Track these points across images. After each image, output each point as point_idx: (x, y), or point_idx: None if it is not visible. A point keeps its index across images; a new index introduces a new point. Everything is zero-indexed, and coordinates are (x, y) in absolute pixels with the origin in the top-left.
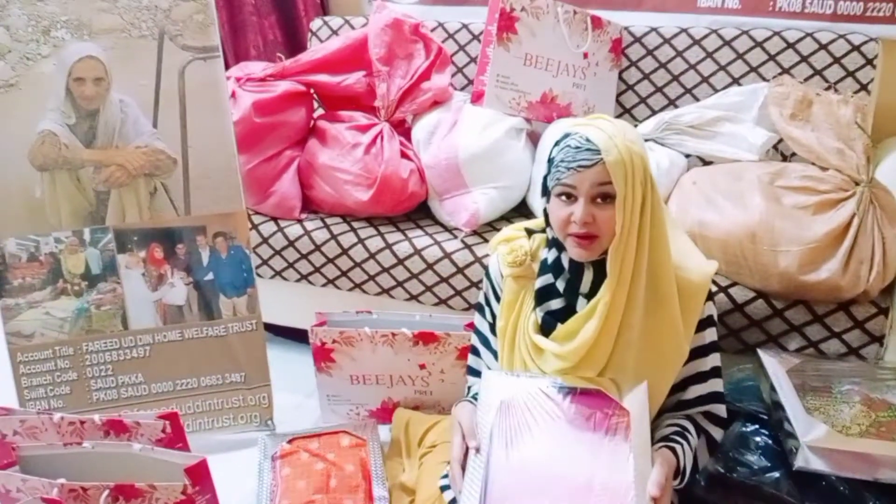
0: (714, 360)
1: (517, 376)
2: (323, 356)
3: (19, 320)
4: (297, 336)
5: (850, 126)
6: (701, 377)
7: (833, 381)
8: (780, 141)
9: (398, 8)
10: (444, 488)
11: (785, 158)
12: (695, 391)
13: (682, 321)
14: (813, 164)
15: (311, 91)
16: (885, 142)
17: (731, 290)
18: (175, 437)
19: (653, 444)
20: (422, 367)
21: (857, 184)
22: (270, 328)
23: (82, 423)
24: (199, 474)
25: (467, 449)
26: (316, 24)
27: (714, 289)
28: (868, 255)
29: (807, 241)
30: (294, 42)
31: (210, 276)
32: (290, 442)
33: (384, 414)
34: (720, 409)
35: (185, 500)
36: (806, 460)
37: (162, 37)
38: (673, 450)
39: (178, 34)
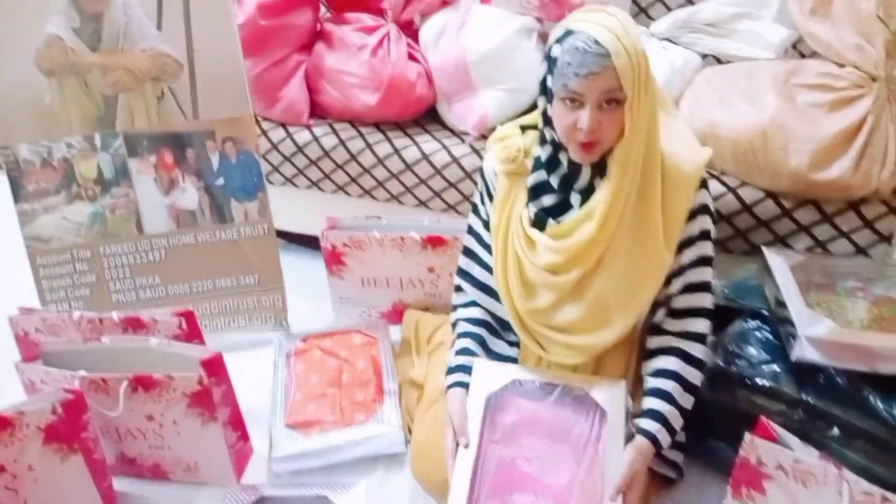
0: (704, 248)
1: (506, 366)
2: (334, 260)
3: (36, 224)
4: (308, 243)
5: (871, 20)
6: (681, 271)
7: (837, 279)
8: (800, 40)
9: None
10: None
11: (803, 57)
12: (679, 282)
13: (672, 212)
14: (830, 60)
15: None
16: None
17: (740, 191)
18: (191, 334)
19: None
20: (430, 270)
21: (874, 80)
22: (282, 235)
23: (101, 320)
24: (215, 367)
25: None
26: None
27: (723, 189)
28: (881, 153)
29: (819, 140)
30: None
31: (221, 181)
32: (303, 340)
33: (395, 316)
34: (703, 308)
35: (201, 390)
36: (804, 351)
37: None
38: (653, 437)
39: None
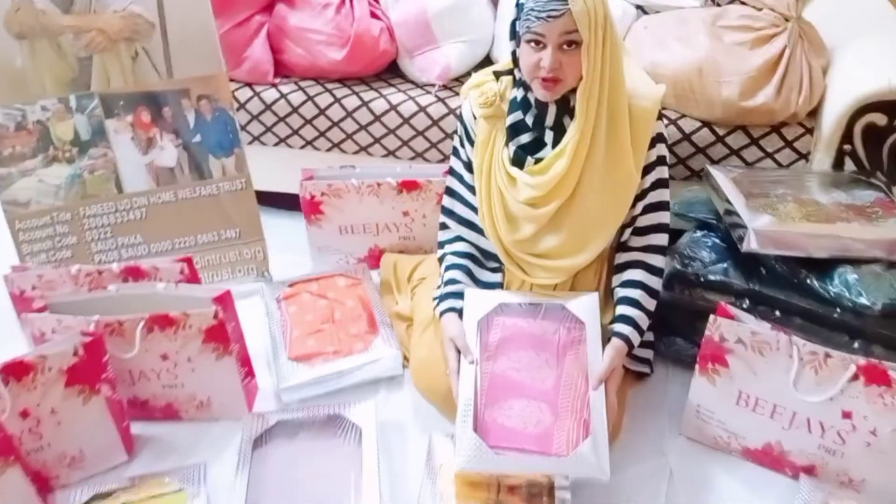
0: (662, 171)
1: (491, 297)
2: (312, 209)
3: (13, 189)
4: (279, 202)
5: None
6: (644, 194)
7: (769, 188)
8: None
9: None
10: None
11: (718, 5)
12: (642, 204)
13: (637, 143)
14: (748, 4)
15: None
16: None
17: (680, 122)
18: (192, 278)
19: (611, 294)
20: (405, 213)
21: (787, 20)
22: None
23: (100, 272)
24: (226, 303)
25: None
26: None
27: (665, 122)
28: (797, 82)
29: (746, 72)
30: None
31: (198, 138)
32: (290, 286)
33: (372, 261)
34: (664, 224)
35: (217, 325)
36: (753, 243)
37: None
38: (625, 337)
39: None
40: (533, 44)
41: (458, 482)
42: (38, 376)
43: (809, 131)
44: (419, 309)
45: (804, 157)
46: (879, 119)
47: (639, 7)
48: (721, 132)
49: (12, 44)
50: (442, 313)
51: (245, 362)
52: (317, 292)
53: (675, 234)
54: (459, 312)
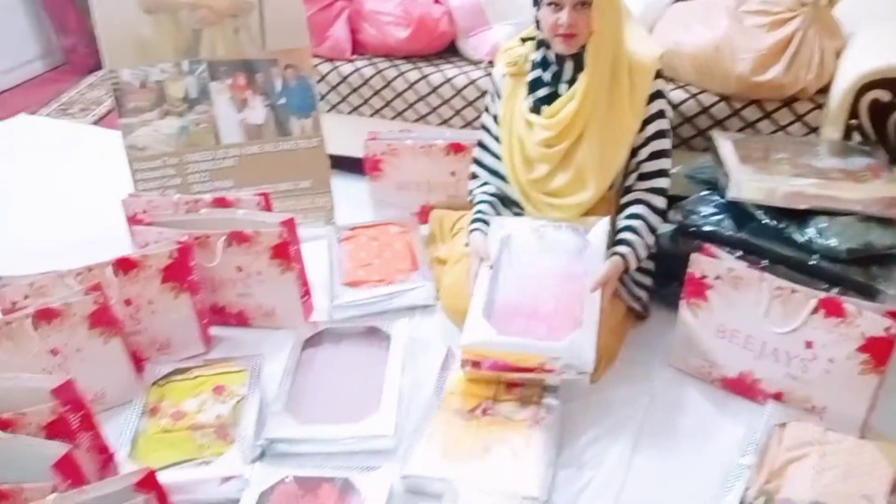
0: (662, 124)
1: (512, 222)
2: (373, 166)
3: (134, 136)
4: (350, 166)
5: None
6: (646, 142)
7: (769, 153)
8: None
9: None
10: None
11: None
12: (646, 150)
13: (636, 96)
14: None
15: None
16: None
17: (699, 97)
18: (267, 208)
19: (615, 231)
20: (452, 174)
21: (804, 6)
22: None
23: (196, 201)
24: (290, 227)
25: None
26: None
27: (686, 96)
28: (807, 60)
29: (759, 50)
30: None
31: (283, 101)
32: (351, 230)
33: (423, 216)
34: (663, 170)
35: (281, 243)
36: (734, 191)
37: None
38: (623, 255)
39: None
40: (552, 6)
41: (464, 381)
42: (140, 272)
43: (819, 107)
44: (454, 249)
45: (814, 130)
46: (884, 95)
47: None
48: (737, 106)
49: (142, 17)
50: (470, 232)
51: (304, 282)
52: (371, 236)
53: (685, 197)
54: (484, 234)
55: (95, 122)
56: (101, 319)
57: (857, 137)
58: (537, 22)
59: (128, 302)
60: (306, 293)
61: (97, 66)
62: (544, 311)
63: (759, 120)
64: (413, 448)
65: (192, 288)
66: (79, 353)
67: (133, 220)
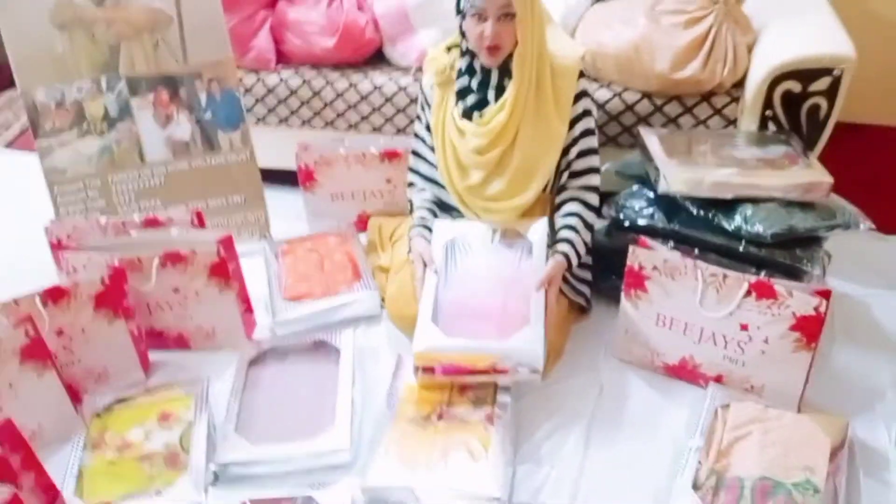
0: (588, 122)
1: (455, 225)
2: (307, 177)
3: (53, 158)
4: (282, 179)
5: None
6: (574, 142)
7: (694, 146)
8: None
9: None
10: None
11: None
12: (576, 149)
13: (560, 98)
14: None
15: None
16: None
17: (623, 95)
18: (202, 227)
19: (553, 230)
20: (388, 181)
21: (715, 3)
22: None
23: (124, 224)
24: (228, 244)
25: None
26: None
27: (610, 95)
28: (723, 55)
29: (676, 48)
30: None
31: (209, 115)
32: (287, 243)
33: (360, 225)
34: (594, 168)
35: (219, 262)
36: (665, 184)
37: None
38: (565, 254)
39: None
40: (476, 17)
41: (417, 388)
42: (71, 301)
43: (736, 100)
44: (396, 256)
45: (732, 122)
46: (795, 86)
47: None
48: (659, 102)
49: (54, 33)
50: (412, 237)
51: (244, 299)
52: (310, 248)
53: (617, 193)
54: (427, 240)
55: (7, 146)
56: (34, 353)
57: (772, 127)
58: (462, 31)
59: (59, 332)
60: (247, 311)
61: (8, 85)
62: (492, 311)
63: (680, 115)
64: (371, 460)
65: (126, 313)
66: (11, 390)
67: (57, 247)
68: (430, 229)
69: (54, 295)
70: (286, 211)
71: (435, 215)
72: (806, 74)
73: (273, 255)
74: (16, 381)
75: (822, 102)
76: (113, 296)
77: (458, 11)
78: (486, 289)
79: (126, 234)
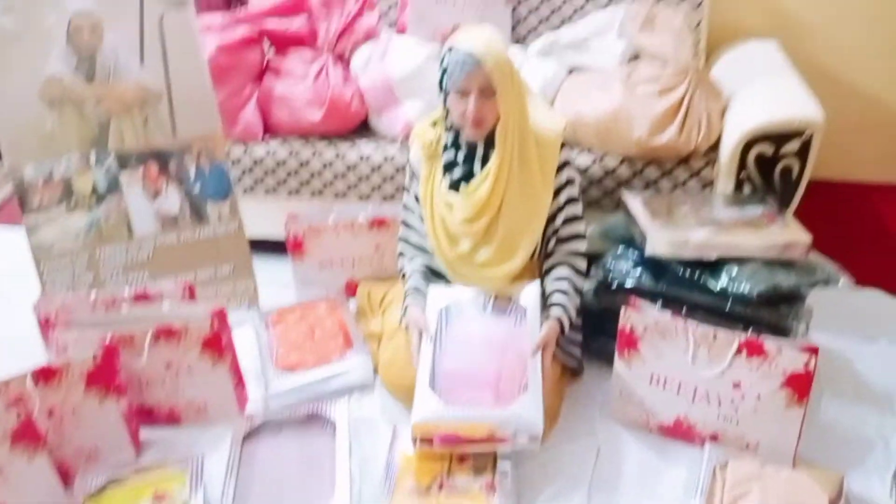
0: (571, 191)
1: (450, 292)
2: (296, 247)
3: (40, 234)
4: (270, 248)
5: (682, 31)
6: (559, 210)
7: (673, 208)
8: (635, 51)
9: None
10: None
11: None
12: (562, 216)
13: (545, 168)
14: (657, 61)
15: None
16: (720, 48)
17: (604, 160)
18: (193, 300)
19: (544, 295)
20: (377, 248)
21: (687, 72)
22: None
23: (114, 299)
24: (221, 318)
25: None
26: None
27: (590, 161)
28: (697, 122)
29: (653, 115)
30: None
31: (198, 188)
32: (277, 313)
33: (349, 291)
34: (580, 235)
35: (213, 336)
36: (653, 247)
37: None
38: (558, 318)
39: None
40: (459, 94)
41: (416, 457)
42: (63, 380)
43: (712, 163)
44: (388, 323)
45: (709, 184)
46: (767, 149)
47: (571, 69)
48: (638, 166)
49: (44, 110)
50: (407, 305)
51: (236, 372)
52: (300, 316)
53: (602, 255)
54: (422, 307)
55: None
56: (25, 435)
57: (748, 188)
58: (445, 107)
59: (50, 413)
60: (239, 384)
61: None
62: (489, 379)
63: (659, 178)
64: None
65: (118, 391)
66: (2, 475)
67: (46, 324)
68: (424, 295)
69: (46, 374)
70: (273, 279)
71: (427, 283)
72: (777, 138)
73: (263, 324)
74: (6, 465)
75: (794, 163)
76: (105, 373)
77: (442, 89)
78: (483, 355)
79: (117, 309)
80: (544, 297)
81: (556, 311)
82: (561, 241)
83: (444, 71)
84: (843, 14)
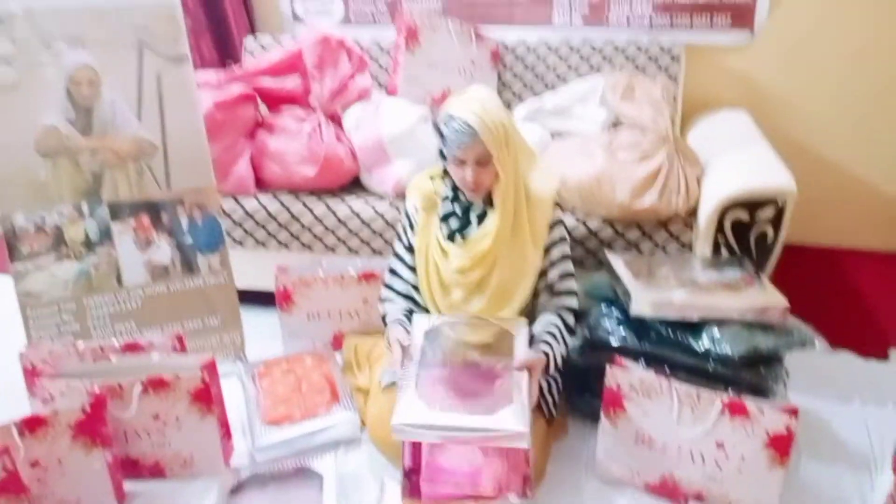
0: (564, 248)
1: (437, 317)
2: (285, 298)
3: (29, 281)
4: (255, 300)
5: (660, 102)
6: (552, 265)
7: (655, 269)
8: (616, 118)
9: (323, 28)
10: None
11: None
12: (555, 272)
13: (536, 226)
14: (637, 129)
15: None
16: (694, 117)
17: (587, 222)
18: (182, 351)
19: (532, 337)
20: (365, 301)
21: (666, 140)
22: None
23: (102, 348)
24: (212, 369)
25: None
26: (249, 41)
27: (575, 222)
28: (676, 187)
29: (634, 180)
30: (226, 57)
31: (189, 239)
32: (264, 365)
33: (335, 344)
34: (572, 291)
35: (203, 387)
36: (637, 308)
37: (142, 47)
38: (545, 352)
39: (155, 45)
40: (458, 162)
41: None
42: (49, 430)
43: (690, 227)
44: (374, 377)
45: (688, 247)
46: (743, 215)
47: (554, 134)
48: (620, 229)
49: (39, 161)
50: (389, 326)
51: (224, 424)
52: (287, 369)
53: (586, 313)
54: (406, 329)
55: None
56: (8, 488)
57: (725, 251)
58: (445, 170)
59: (34, 464)
60: (226, 436)
61: None
62: (474, 392)
63: (640, 240)
64: None
65: (105, 442)
66: None
67: (32, 373)
68: (407, 322)
69: (31, 424)
70: (259, 331)
71: (409, 318)
72: (752, 205)
73: (249, 376)
74: None
75: (769, 229)
76: (93, 424)
77: (441, 155)
78: (467, 378)
79: (105, 359)
80: (532, 339)
81: (543, 346)
82: (554, 294)
83: (443, 137)
84: (811, 85)
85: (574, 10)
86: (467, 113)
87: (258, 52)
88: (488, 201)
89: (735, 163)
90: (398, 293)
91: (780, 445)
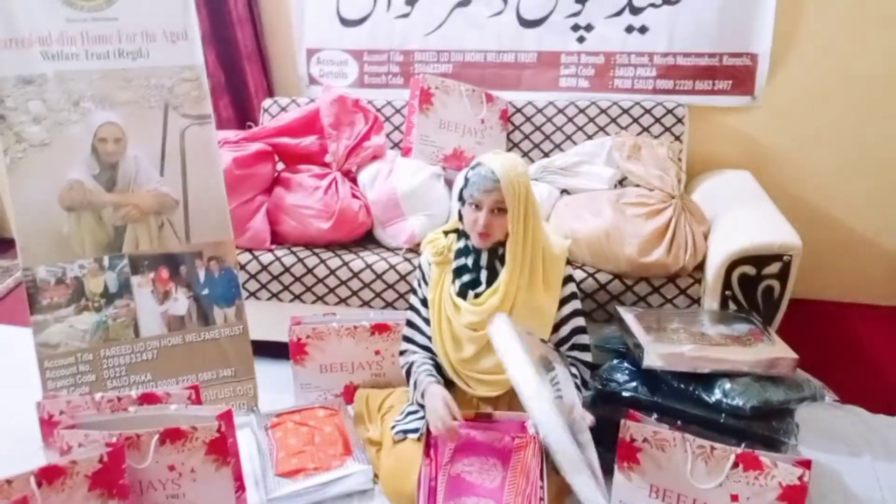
0: (576, 304)
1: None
2: (298, 350)
3: (47, 333)
4: (266, 351)
5: (666, 160)
6: (564, 321)
7: (665, 323)
8: (623, 176)
9: (339, 89)
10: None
11: (624, 186)
12: (567, 328)
13: (550, 282)
14: (643, 187)
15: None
16: (698, 176)
17: (597, 275)
18: (198, 402)
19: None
20: (377, 353)
21: (672, 197)
22: None
23: (119, 399)
24: (228, 419)
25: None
26: (267, 102)
27: (584, 275)
28: (684, 243)
29: (642, 236)
30: (245, 118)
31: (206, 292)
32: (277, 416)
33: (347, 396)
34: (585, 345)
35: (219, 437)
36: (649, 360)
37: (167, 107)
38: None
39: (179, 105)
40: (473, 206)
41: None
42: (67, 480)
43: (698, 281)
44: (388, 431)
45: (696, 301)
46: (750, 270)
47: (563, 190)
48: (629, 282)
49: (62, 214)
50: (428, 384)
51: (238, 476)
52: (299, 421)
53: (598, 365)
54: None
55: None
56: None
57: (732, 306)
58: (460, 214)
59: None
60: (240, 487)
61: None
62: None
63: (649, 294)
64: None
65: (121, 493)
66: None
67: (48, 423)
68: (440, 383)
69: (49, 474)
70: (272, 383)
71: (437, 369)
72: (759, 260)
73: (261, 428)
74: None
75: (775, 284)
76: (110, 475)
77: (460, 198)
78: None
79: (123, 410)
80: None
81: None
82: (569, 349)
83: (467, 181)
84: (809, 144)
85: (580, 77)
86: (496, 163)
87: (276, 112)
88: (496, 257)
89: (741, 219)
90: (418, 345)
91: (794, 498)
